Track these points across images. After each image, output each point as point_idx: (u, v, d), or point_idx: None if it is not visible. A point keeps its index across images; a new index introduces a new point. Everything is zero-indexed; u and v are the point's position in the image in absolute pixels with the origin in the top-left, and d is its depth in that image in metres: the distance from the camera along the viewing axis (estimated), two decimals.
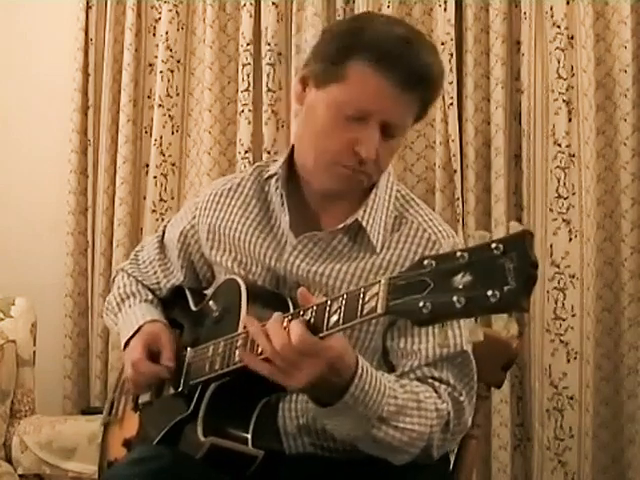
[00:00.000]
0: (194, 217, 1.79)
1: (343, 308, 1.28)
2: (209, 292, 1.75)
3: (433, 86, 1.55)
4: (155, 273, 1.87)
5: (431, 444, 1.53)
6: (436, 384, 1.56)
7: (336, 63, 1.52)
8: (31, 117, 3.38)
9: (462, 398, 1.57)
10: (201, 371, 1.55)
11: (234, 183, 1.76)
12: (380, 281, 1.22)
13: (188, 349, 1.64)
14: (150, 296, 1.86)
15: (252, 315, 1.50)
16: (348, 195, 1.64)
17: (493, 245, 1.07)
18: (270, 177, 1.69)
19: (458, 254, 1.11)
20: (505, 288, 1.05)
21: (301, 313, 1.36)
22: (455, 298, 1.08)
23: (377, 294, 1.21)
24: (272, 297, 1.60)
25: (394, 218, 1.64)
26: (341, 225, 1.61)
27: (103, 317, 1.95)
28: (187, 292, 1.81)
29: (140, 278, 1.89)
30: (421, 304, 1.12)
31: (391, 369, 1.61)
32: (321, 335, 1.31)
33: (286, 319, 1.36)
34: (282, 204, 1.67)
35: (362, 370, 1.40)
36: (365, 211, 1.61)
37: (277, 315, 1.38)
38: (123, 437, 1.78)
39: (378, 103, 1.51)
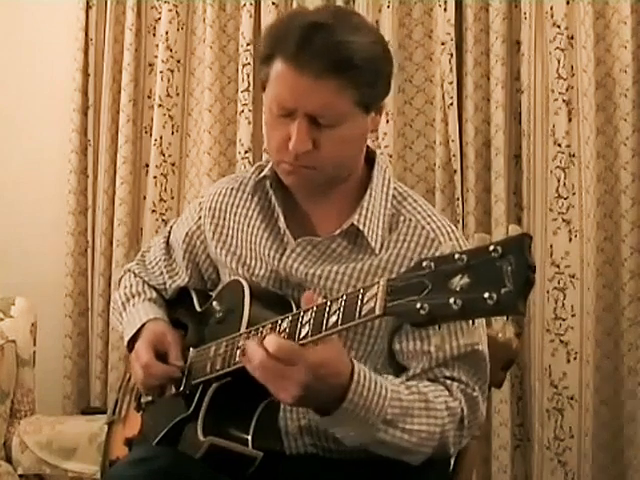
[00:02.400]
0: (199, 218, 1.79)
1: (342, 309, 1.28)
2: (214, 293, 1.75)
3: (356, 65, 1.48)
4: (161, 274, 1.88)
5: (446, 442, 1.53)
6: (448, 382, 1.56)
7: (265, 65, 1.55)
8: (31, 117, 3.38)
9: (475, 393, 1.57)
10: (202, 371, 1.56)
11: (237, 183, 1.77)
12: (379, 282, 1.23)
13: (191, 349, 1.65)
14: (154, 295, 1.86)
15: (254, 316, 1.52)
16: (331, 195, 1.64)
17: (491, 248, 1.08)
18: (265, 178, 1.69)
19: (457, 256, 1.11)
20: (502, 290, 1.05)
21: (301, 314, 1.36)
22: (452, 300, 1.09)
23: (376, 295, 1.21)
24: (275, 299, 1.60)
25: (391, 216, 1.63)
26: (338, 231, 1.61)
27: (110, 316, 1.96)
28: (192, 293, 1.81)
29: (146, 278, 1.90)
30: (418, 305, 1.13)
31: (397, 371, 1.61)
32: (302, 342, 1.32)
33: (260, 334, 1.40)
34: (276, 206, 1.68)
35: (359, 376, 1.39)
36: (361, 214, 1.60)
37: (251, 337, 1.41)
38: (125, 436, 1.78)
39: (294, 97, 1.51)
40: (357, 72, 1.49)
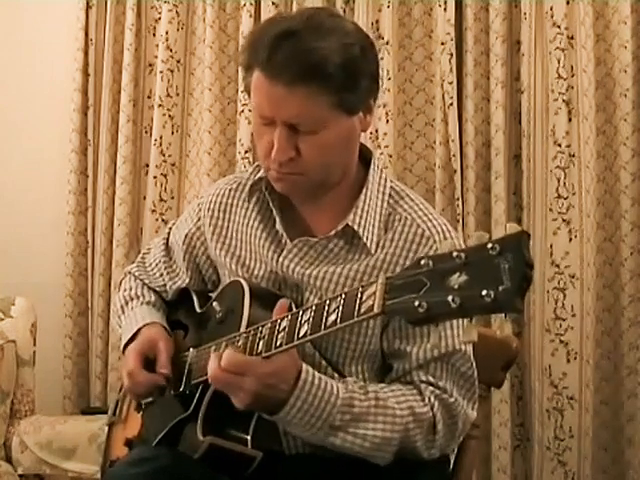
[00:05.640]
0: (199, 219, 1.79)
1: (341, 307, 1.29)
2: (214, 294, 1.75)
3: (327, 71, 1.47)
4: (161, 275, 1.87)
5: (414, 446, 1.54)
6: (422, 387, 1.56)
7: (247, 74, 1.56)
8: (31, 117, 3.38)
9: (452, 399, 1.57)
10: (202, 371, 1.55)
11: (236, 183, 1.76)
12: (378, 280, 1.23)
13: (191, 349, 1.65)
14: (153, 298, 1.86)
15: (254, 316, 1.52)
16: (327, 196, 1.64)
17: (489, 245, 1.08)
18: (261, 179, 1.69)
19: (455, 254, 1.11)
20: (500, 288, 1.05)
21: (300, 313, 1.37)
22: (450, 298, 1.09)
23: (374, 293, 1.22)
24: (275, 299, 1.59)
25: (387, 216, 1.63)
26: (333, 232, 1.61)
27: (110, 318, 1.96)
28: (193, 294, 1.81)
29: (147, 281, 1.90)
30: (417, 303, 1.13)
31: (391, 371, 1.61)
32: (266, 354, 1.41)
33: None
34: (273, 207, 1.68)
35: (304, 383, 1.44)
36: (356, 214, 1.60)
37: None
38: (125, 437, 1.78)
39: (270, 106, 1.51)
40: (329, 77, 1.47)
